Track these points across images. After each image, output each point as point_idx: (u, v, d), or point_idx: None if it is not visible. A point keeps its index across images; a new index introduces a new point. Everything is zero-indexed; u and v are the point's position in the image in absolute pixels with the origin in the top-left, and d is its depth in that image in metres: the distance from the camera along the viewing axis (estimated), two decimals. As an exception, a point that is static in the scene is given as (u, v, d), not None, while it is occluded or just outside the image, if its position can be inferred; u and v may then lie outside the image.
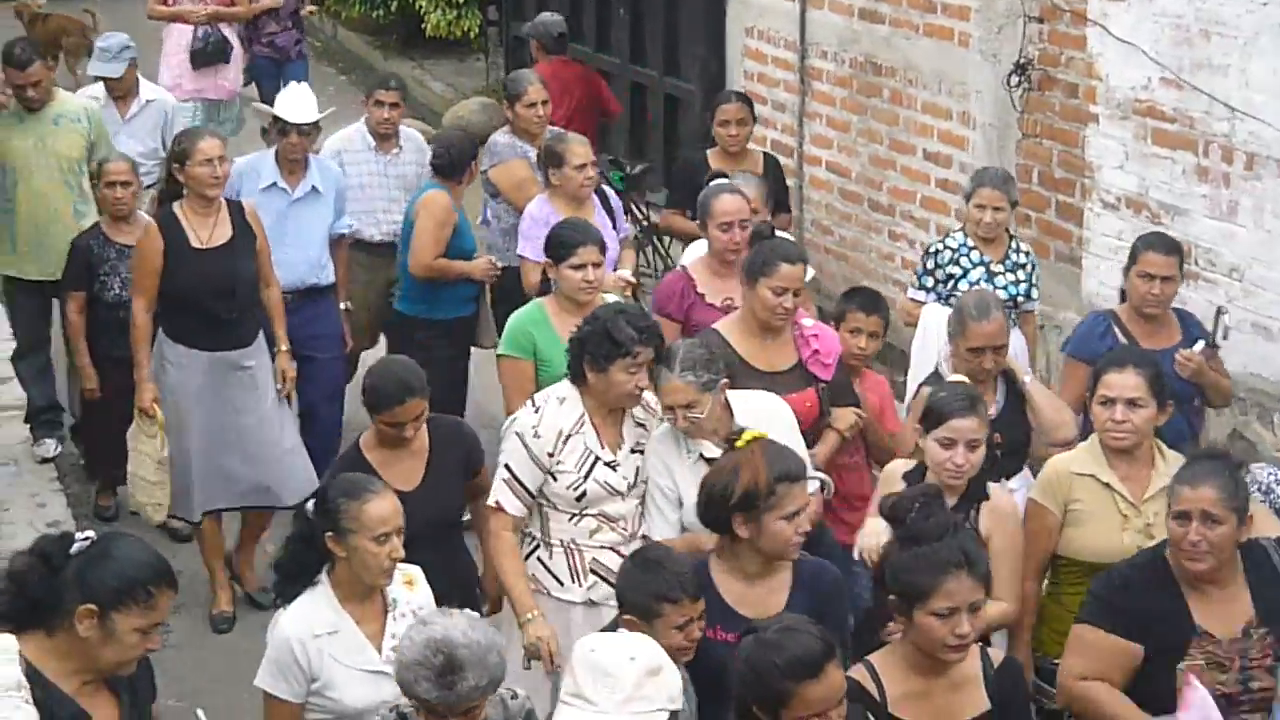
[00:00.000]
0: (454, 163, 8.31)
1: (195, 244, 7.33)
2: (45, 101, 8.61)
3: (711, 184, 7.36)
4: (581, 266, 6.60)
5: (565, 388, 5.78)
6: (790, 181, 10.69)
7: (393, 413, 5.82)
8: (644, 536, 5.66)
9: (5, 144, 8.58)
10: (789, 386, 6.14)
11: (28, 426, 9.03)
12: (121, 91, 9.50)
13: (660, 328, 5.89)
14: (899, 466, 5.81)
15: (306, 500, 5.00)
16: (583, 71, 11.29)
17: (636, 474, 5.72)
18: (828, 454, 6.33)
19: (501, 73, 14.53)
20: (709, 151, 8.85)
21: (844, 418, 6.40)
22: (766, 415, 5.65)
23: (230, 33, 11.86)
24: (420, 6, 15.10)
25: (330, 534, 4.80)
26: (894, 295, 8.50)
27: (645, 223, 10.71)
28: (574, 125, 10.15)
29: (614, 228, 8.22)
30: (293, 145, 8.17)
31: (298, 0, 12.73)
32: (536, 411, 5.73)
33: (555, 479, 5.66)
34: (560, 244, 6.70)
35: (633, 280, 8.10)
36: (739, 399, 5.74)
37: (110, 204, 8.12)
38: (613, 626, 4.74)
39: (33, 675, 3.82)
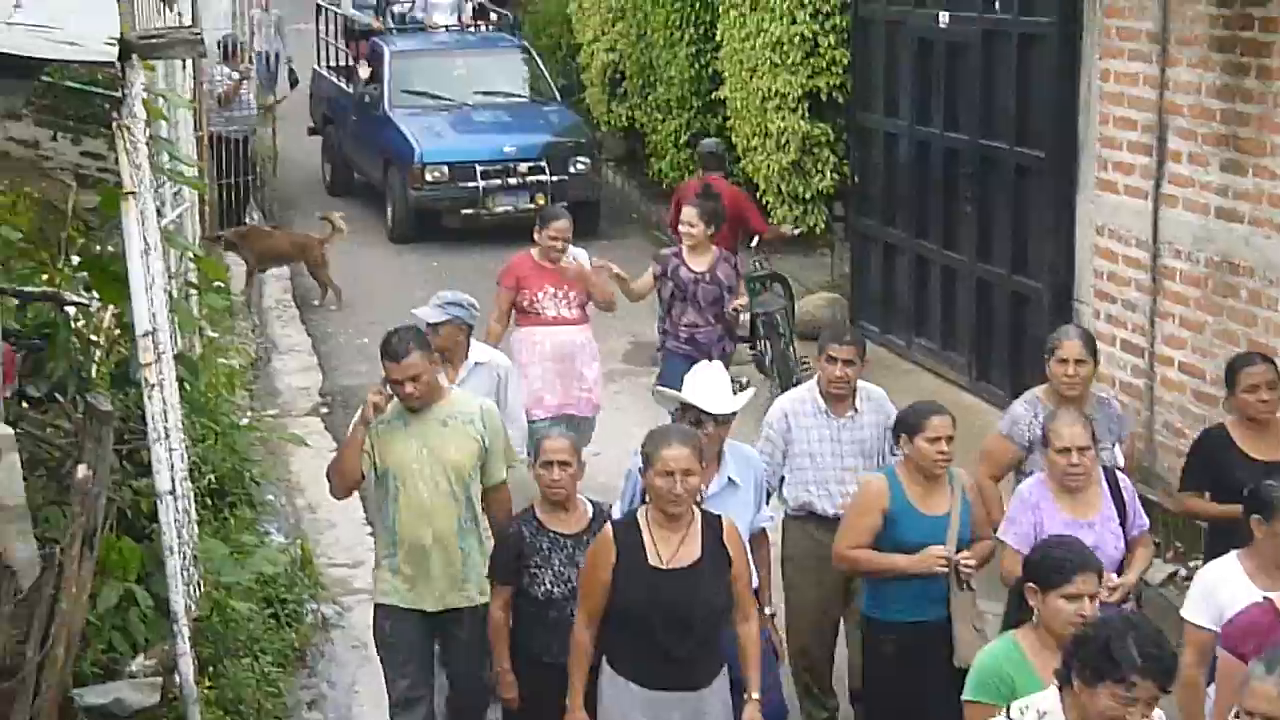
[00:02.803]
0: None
1: (654, 561, 6.25)
2: (429, 400, 7.23)
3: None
4: (1076, 598, 5.51)
5: (1049, 698, 5.03)
6: (1140, 382, 10.49)
7: None
8: None
9: (388, 447, 7.23)
10: None
11: None
12: (444, 350, 8.21)
13: (1173, 662, 4.90)
14: None
15: None
16: (730, 188, 13.11)
17: None
18: None
19: (846, 268, 14.63)
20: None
21: None
22: None
23: (584, 336, 10.33)
24: (767, 203, 15.30)
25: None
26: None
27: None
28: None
29: (1120, 522, 6.95)
30: (711, 438, 6.95)
31: (724, 291, 10.71)
32: None
33: None
34: (1051, 567, 5.62)
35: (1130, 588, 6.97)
36: None
37: (546, 486, 6.91)
38: None
39: None
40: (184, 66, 13.10)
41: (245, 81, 18.66)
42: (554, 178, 17.80)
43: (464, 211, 17.86)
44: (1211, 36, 9.78)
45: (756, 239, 13.16)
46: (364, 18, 21.66)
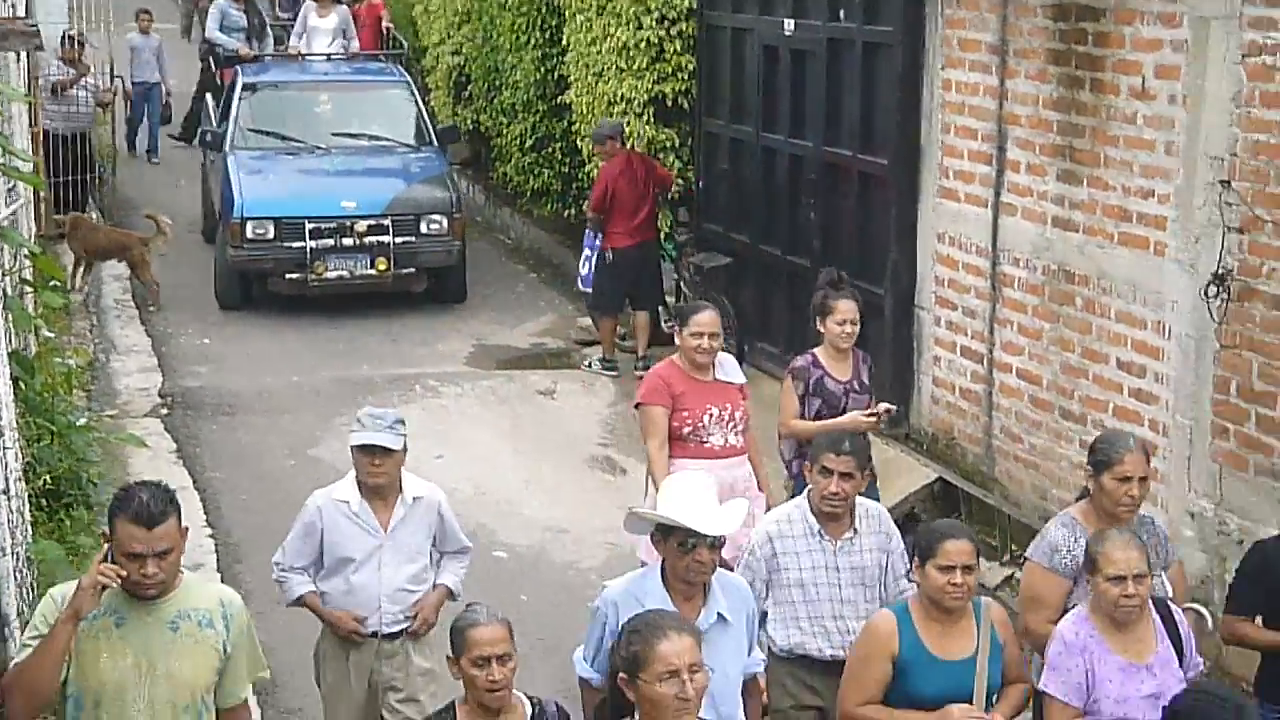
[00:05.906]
0: None
1: None
2: (169, 589, 5.34)
3: None
4: None
5: None
6: (979, 388, 10.66)
7: None
8: None
9: (88, 661, 5.28)
10: None
11: None
12: (383, 485, 6.92)
13: None
14: None
15: None
16: (638, 156, 14.18)
17: None
18: None
19: (686, 272, 14.71)
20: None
21: None
22: None
23: (749, 468, 8.49)
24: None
25: None
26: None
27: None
28: (647, 198, 13.93)
29: (1180, 665, 5.96)
30: (701, 565, 5.77)
31: (872, 398, 8.82)
32: None
33: None
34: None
35: None
36: None
37: (484, 688, 5.27)
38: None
39: None
40: (19, 60, 12.85)
41: (84, 79, 18.33)
42: (399, 239, 15.29)
43: (289, 276, 15.18)
44: (1048, 50, 9.98)
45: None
46: (231, 42, 19.66)
